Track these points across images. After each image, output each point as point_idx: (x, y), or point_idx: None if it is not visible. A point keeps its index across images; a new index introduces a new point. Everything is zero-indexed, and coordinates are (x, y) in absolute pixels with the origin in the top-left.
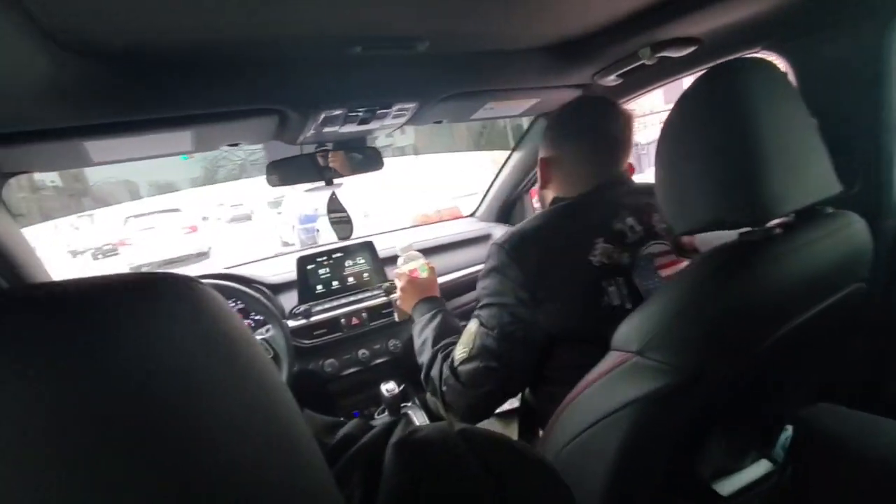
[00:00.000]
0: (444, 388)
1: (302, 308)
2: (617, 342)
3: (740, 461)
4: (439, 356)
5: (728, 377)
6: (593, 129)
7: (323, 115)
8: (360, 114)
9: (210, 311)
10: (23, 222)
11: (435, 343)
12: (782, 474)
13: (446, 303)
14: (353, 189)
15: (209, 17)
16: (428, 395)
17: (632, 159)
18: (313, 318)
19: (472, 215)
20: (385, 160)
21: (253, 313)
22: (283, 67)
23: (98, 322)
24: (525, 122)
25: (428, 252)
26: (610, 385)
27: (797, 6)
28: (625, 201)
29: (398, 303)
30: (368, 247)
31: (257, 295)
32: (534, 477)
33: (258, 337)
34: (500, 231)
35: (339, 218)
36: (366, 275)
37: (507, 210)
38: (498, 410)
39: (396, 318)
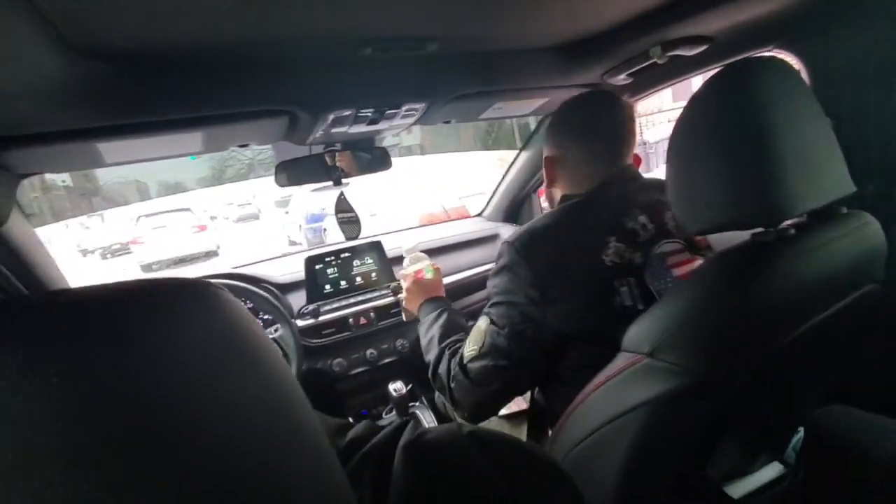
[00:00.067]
0: (452, 385)
1: (310, 308)
2: (627, 344)
3: (752, 463)
4: (446, 353)
5: (739, 379)
6: (595, 125)
7: (332, 116)
8: (369, 114)
9: (231, 317)
10: (35, 222)
11: (441, 340)
12: (794, 477)
13: (454, 303)
14: (361, 189)
15: (221, 20)
16: (436, 393)
17: (640, 157)
18: (322, 318)
19: (479, 215)
20: (392, 160)
21: (262, 313)
22: (294, 69)
23: (118, 329)
24: (532, 122)
25: (436, 252)
26: (620, 387)
27: (810, 4)
28: (636, 199)
29: (404, 304)
30: (376, 247)
31: (266, 295)
32: (544, 479)
33: None
34: (507, 231)
35: (347, 218)
36: (374, 275)
37: (514, 210)
38: (506, 412)
39: (404, 317)
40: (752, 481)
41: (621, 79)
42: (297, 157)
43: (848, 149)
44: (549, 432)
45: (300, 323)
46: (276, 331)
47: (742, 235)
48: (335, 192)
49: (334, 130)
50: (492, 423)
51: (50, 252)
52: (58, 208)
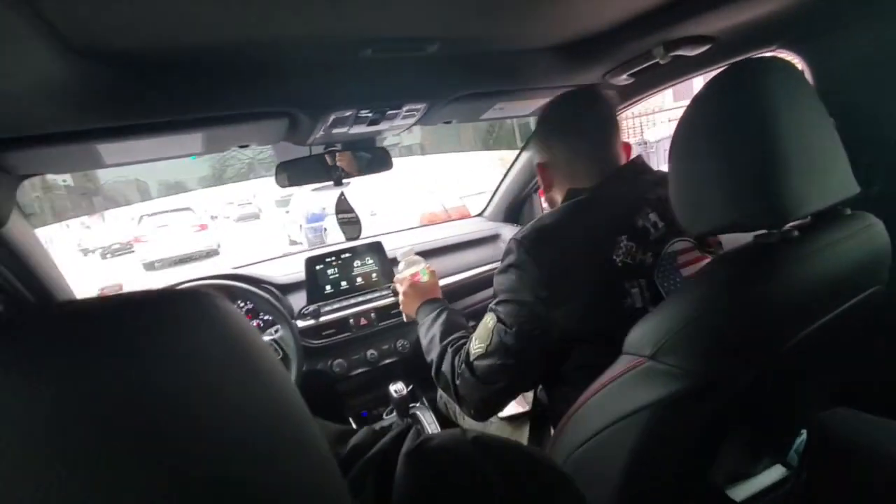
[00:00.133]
0: (457, 382)
1: (311, 308)
2: (629, 346)
3: (754, 466)
4: (449, 350)
5: (742, 382)
6: (578, 123)
7: (333, 117)
8: (370, 115)
9: (230, 325)
10: (36, 222)
11: (443, 339)
12: (797, 480)
13: (456, 303)
14: (361, 188)
15: (221, 21)
16: (437, 394)
17: (630, 145)
18: (322, 319)
19: (480, 215)
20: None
21: (262, 314)
22: (294, 70)
23: (122, 338)
24: (533, 121)
25: (436, 252)
26: (622, 389)
27: (814, 4)
28: (646, 195)
29: (401, 308)
30: (377, 247)
31: (266, 295)
32: (548, 484)
33: (267, 338)
34: (508, 231)
35: (348, 219)
36: (374, 275)
37: (515, 210)
38: (508, 414)
39: (405, 318)
40: (755, 484)
41: (623, 79)
42: (298, 157)
43: (852, 149)
44: (552, 432)
45: (300, 324)
46: (276, 332)
47: (749, 234)
48: (336, 192)
49: (335, 131)
50: (493, 425)
51: (51, 252)
52: (59, 208)
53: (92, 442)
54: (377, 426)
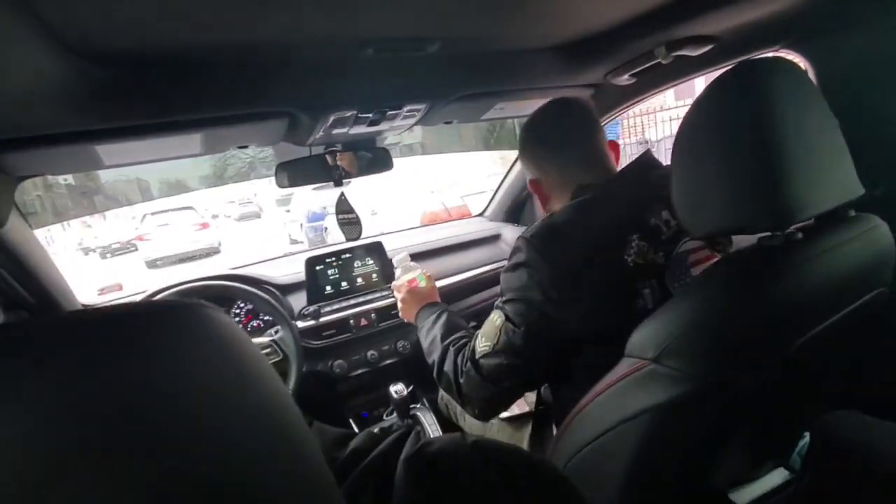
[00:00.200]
0: (461, 381)
1: (311, 309)
2: (632, 348)
3: (757, 469)
4: (451, 350)
5: (746, 386)
6: (559, 131)
7: (333, 117)
8: (370, 115)
9: (225, 336)
10: (37, 221)
11: (444, 339)
12: (800, 483)
13: (457, 304)
14: (362, 187)
15: (219, 21)
16: (438, 395)
17: (617, 144)
18: (322, 319)
19: (481, 214)
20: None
21: (262, 314)
22: (294, 70)
23: (119, 347)
24: None
25: (437, 253)
26: (624, 392)
27: (817, 4)
28: (658, 192)
29: (400, 314)
30: (377, 248)
31: (266, 296)
32: (549, 489)
33: (267, 338)
34: (510, 231)
35: (348, 219)
36: (374, 276)
37: (516, 210)
38: (509, 414)
39: (401, 317)
40: (758, 487)
41: (624, 79)
42: (298, 157)
43: (855, 151)
44: (554, 433)
45: (300, 324)
46: (276, 332)
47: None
48: (336, 191)
49: (335, 131)
50: (494, 426)
51: (52, 250)
52: (60, 207)
53: (91, 444)
54: (377, 428)
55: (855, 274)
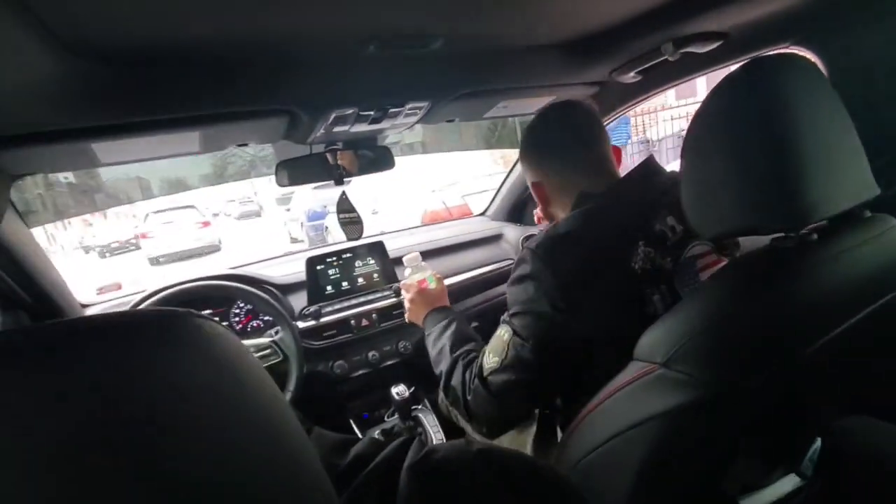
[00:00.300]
0: (469, 398)
1: (311, 309)
2: (640, 352)
3: (767, 476)
4: (460, 364)
5: (758, 391)
6: (564, 139)
7: (333, 115)
8: (372, 113)
9: (218, 346)
10: (38, 219)
11: (453, 350)
12: (811, 490)
13: (458, 304)
14: (362, 186)
15: (218, 16)
16: (446, 401)
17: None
18: (323, 320)
19: (483, 214)
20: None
21: (262, 314)
22: (294, 67)
23: (107, 359)
24: None
25: (439, 252)
26: (632, 397)
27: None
28: (661, 197)
29: (407, 315)
30: (378, 247)
31: (266, 296)
32: (556, 498)
33: (267, 339)
34: (511, 230)
35: (350, 218)
36: (376, 276)
37: (518, 209)
38: None
39: (407, 319)
40: (768, 494)
41: (630, 76)
42: (298, 155)
43: (870, 150)
44: (559, 438)
45: (301, 325)
46: (276, 333)
47: (765, 237)
48: (337, 190)
49: (336, 129)
50: None
51: (53, 249)
52: (60, 205)
53: (79, 457)
54: (378, 430)
55: (871, 277)
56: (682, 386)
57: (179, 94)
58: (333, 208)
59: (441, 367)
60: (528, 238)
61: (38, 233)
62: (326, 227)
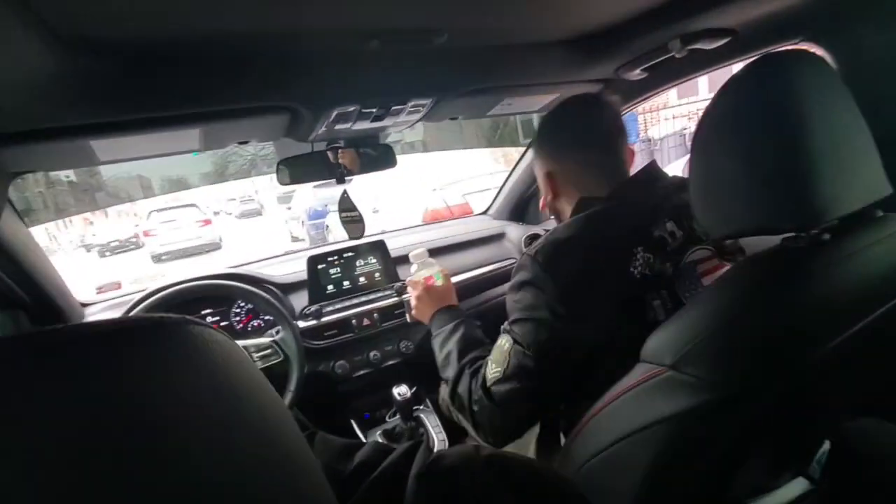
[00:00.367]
0: (474, 408)
1: (312, 308)
2: (647, 354)
3: (776, 479)
4: (466, 371)
5: (768, 393)
6: (588, 132)
7: (336, 112)
8: (374, 110)
9: (214, 353)
10: (40, 217)
11: (461, 357)
12: (820, 493)
13: (460, 303)
14: (363, 185)
15: (219, 14)
16: (452, 407)
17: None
18: (324, 319)
19: (485, 213)
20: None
21: (262, 314)
22: (296, 64)
23: (106, 362)
24: (536, 118)
25: (441, 251)
26: (639, 399)
27: None
28: (661, 203)
29: (413, 313)
30: (380, 246)
31: (267, 296)
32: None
33: (268, 339)
34: (514, 230)
35: (351, 217)
36: (377, 275)
37: (521, 208)
38: None
39: (408, 319)
40: (776, 498)
41: (636, 74)
42: (300, 154)
43: (883, 148)
44: (562, 441)
45: (302, 324)
46: (277, 333)
47: (774, 239)
48: (338, 188)
49: (337, 127)
50: None
51: (54, 248)
52: (61, 203)
53: (85, 457)
54: (380, 431)
55: (884, 277)
56: (691, 388)
57: (180, 90)
58: (334, 207)
59: (448, 374)
60: (530, 237)
61: (40, 231)
62: (327, 226)
